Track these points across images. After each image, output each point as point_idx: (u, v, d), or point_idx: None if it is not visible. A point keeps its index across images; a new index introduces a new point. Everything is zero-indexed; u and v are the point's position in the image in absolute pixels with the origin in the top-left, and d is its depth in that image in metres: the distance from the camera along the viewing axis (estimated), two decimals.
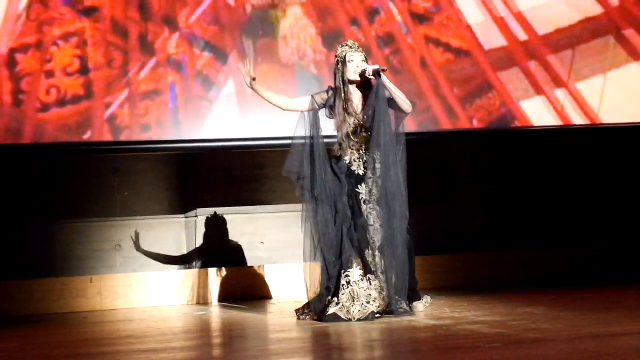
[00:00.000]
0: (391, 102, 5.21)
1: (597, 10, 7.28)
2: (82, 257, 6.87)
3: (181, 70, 6.72)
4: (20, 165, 6.86)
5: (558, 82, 7.18)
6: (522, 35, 7.17)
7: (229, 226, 7.06)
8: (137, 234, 6.91)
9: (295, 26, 6.92)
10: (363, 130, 5.25)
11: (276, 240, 7.10)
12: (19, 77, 6.52)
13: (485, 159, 7.52)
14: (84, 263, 6.85)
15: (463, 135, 7.11)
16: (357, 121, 5.25)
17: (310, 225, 5.22)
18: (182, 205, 7.07)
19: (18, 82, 6.51)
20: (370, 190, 5.22)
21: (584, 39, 7.24)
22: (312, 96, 5.32)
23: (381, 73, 5.14)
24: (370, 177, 5.21)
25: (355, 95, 5.31)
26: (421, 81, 6.97)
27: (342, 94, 5.25)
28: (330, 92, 5.32)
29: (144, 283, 6.71)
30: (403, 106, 5.23)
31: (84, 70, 6.61)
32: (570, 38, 7.22)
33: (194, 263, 6.97)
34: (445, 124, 7.01)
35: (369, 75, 5.18)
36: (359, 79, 5.25)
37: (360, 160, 5.27)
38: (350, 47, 5.31)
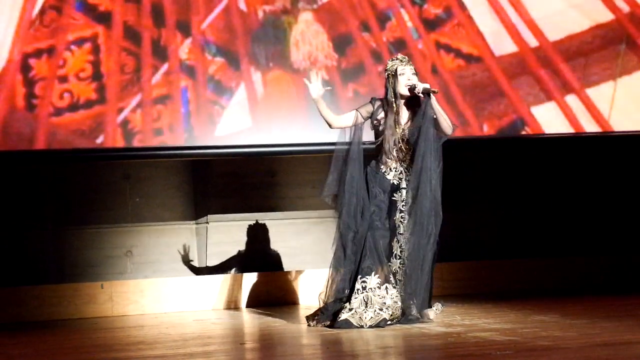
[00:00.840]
0: (434, 122, 5.27)
1: (608, 17, 7.26)
2: (94, 263, 6.87)
3: (193, 76, 6.74)
4: (32, 171, 6.87)
5: (569, 88, 7.16)
6: (533, 42, 7.16)
7: (242, 234, 7.06)
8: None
9: (307, 32, 6.93)
10: (406, 143, 5.31)
11: (288, 247, 7.10)
12: (33, 82, 6.54)
13: (497, 166, 7.50)
14: (95, 269, 6.86)
15: (474, 143, 7.10)
16: (402, 134, 5.31)
17: (337, 238, 5.30)
18: (193, 211, 7.07)
19: (32, 87, 6.53)
20: (404, 200, 5.28)
21: (595, 46, 7.23)
22: (357, 110, 5.41)
23: (431, 94, 5.19)
24: (404, 188, 5.29)
25: (403, 109, 5.36)
26: (432, 87, 6.95)
27: (395, 108, 5.30)
28: (377, 104, 5.38)
29: (155, 289, 6.71)
30: (445, 128, 5.31)
31: (97, 75, 6.62)
32: (582, 45, 7.21)
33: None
34: (457, 131, 6.98)
35: (419, 92, 5.25)
36: (408, 94, 5.30)
37: (397, 170, 5.34)
38: (402, 60, 5.36)
